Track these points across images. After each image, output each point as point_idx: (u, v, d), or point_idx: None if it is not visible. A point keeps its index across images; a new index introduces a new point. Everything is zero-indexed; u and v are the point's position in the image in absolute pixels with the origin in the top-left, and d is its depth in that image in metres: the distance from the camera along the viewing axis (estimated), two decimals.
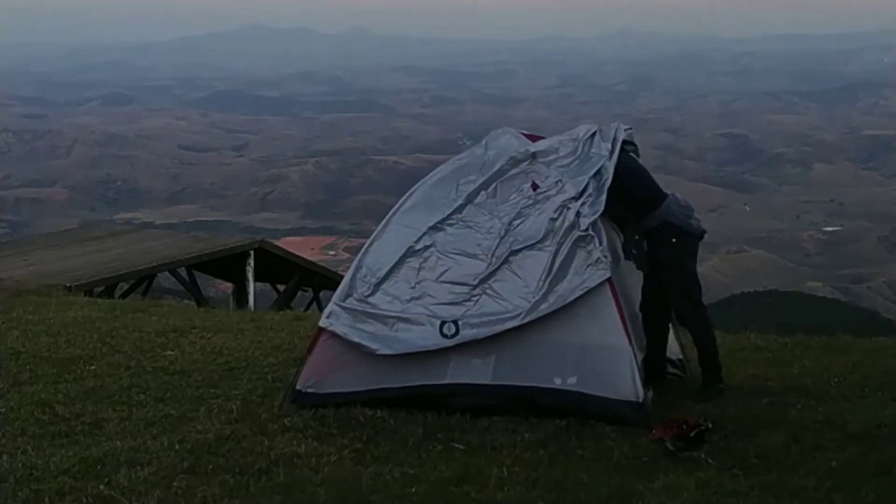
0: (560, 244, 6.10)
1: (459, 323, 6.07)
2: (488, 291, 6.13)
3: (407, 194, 6.67)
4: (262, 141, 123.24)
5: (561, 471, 5.12)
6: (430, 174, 6.78)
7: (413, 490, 4.90)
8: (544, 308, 5.98)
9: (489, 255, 6.20)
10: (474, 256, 6.22)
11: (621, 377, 5.86)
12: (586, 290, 5.97)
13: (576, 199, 6.22)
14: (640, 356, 6.31)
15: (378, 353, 6.13)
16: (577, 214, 6.15)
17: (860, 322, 28.69)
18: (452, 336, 6.05)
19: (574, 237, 6.10)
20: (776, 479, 4.97)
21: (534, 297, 6.01)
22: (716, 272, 63.96)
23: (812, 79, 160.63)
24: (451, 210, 6.40)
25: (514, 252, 6.17)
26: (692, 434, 5.33)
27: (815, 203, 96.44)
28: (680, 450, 5.29)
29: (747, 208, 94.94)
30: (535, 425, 5.78)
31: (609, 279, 5.99)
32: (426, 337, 6.08)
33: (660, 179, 6.85)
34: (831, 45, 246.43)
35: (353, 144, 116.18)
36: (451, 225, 6.37)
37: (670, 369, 7.04)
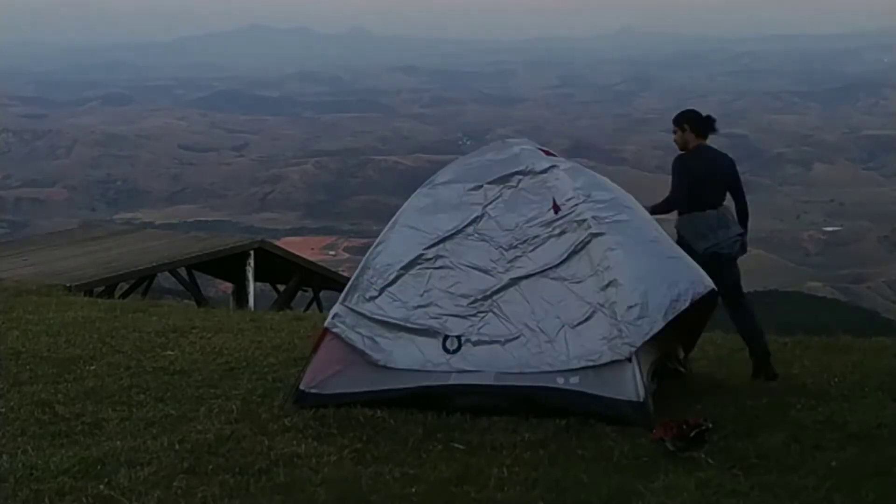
0: (577, 283, 6.04)
1: (462, 339, 6.07)
2: (495, 309, 6.10)
3: (414, 195, 6.61)
4: (262, 141, 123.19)
5: (561, 471, 5.12)
6: (438, 174, 6.71)
7: (413, 490, 4.89)
8: (548, 364, 5.93)
9: (502, 273, 6.15)
10: (486, 272, 6.18)
11: (623, 377, 5.86)
12: (594, 363, 5.90)
13: (601, 235, 6.14)
14: (653, 356, 6.31)
15: (379, 364, 6.14)
16: (603, 256, 6.06)
17: (860, 322, 28.63)
18: (454, 351, 6.07)
19: (594, 287, 6.01)
20: (776, 479, 4.97)
21: (539, 328, 5.98)
22: None
23: (812, 79, 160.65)
24: (468, 221, 6.30)
25: (528, 276, 6.12)
26: (692, 434, 5.33)
27: (815, 203, 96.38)
28: (680, 450, 5.29)
29: None
30: (535, 425, 5.79)
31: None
32: (428, 350, 6.09)
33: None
34: (831, 45, 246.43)
35: (353, 144, 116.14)
36: (467, 236, 6.29)
37: (669, 366, 7.03)
